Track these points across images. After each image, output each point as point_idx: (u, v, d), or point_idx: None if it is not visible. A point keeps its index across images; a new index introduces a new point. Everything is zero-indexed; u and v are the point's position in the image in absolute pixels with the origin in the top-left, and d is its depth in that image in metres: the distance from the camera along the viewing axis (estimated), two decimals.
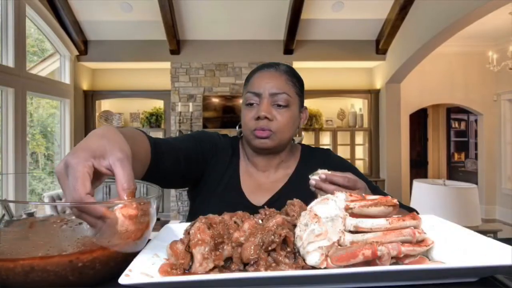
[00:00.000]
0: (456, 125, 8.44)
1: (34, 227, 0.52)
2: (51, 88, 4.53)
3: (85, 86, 5.49)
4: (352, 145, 5.66)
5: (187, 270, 0.46)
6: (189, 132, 4.84)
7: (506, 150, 5.71)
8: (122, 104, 5.71)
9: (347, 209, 0.49)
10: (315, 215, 0.48)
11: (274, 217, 0.53)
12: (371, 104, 5.61)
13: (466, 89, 5.86)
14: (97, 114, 5.58)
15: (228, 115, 5.23)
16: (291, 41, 5.05)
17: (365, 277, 0.42)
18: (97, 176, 0.48)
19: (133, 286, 0.39)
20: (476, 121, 7.01)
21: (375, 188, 0.90)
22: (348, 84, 5.73)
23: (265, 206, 0.60)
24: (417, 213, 0.73)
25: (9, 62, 3.67)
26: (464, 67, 5.85)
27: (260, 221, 0.54)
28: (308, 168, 0.88)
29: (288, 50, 5.23)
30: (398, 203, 0.51)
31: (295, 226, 0.51)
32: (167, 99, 5.46)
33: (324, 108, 5.72)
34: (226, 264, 0.47)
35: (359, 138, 5.78)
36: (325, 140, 5.78)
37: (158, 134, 5.49)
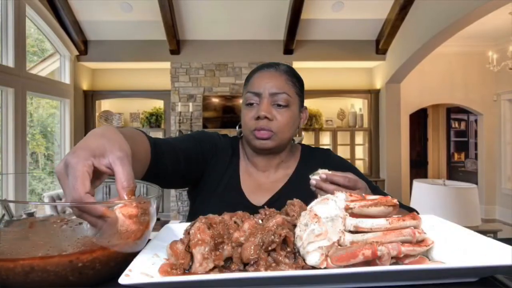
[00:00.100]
0: (456, 125, 8.44)
1: (34, 227, 0.52)
2: (51, 88, 4.53)
3: (85, 86, 5.49)
4: (352, 145, 5.66)
5: (187, 270, 0.46)
6: (189, 132, 4.84)
7: (506, 150, 5.71)
8: (122, 104, 5.71)
9: (347, 209, 0.49)
10: (315, 215, 0.48)
11: (274, 217, 0.53)
12: (371, 104, 5.62)
13: (466, 89, 5.86)
14: (97, 114, 5.58)
15: (228, 115, 5.23)
16: (291, 41, 5.05)
17: (365, 277, 0.42)
18: (97, 176, 0.48)
19: (133, 286, 0.39)
20: (476, 121, 7.02)
21: (375, 188, 0.90)
22: (348, 84, 5.73)
23: (265, 206, 0.60)
24: (417, 213, 0.73)
25: (9, 62, 3.67)
26: (464, 67, 5.85)
27: (260, 221, 0.54)
28: (308, 168, 0.88)
29: (288, 50, 5.23)
30: (398, 203, 0.51)
31: (295, 226, 0.51)
32: (167, 99, 5.46)
33: (324, 108, 5.72)
34: (226, 264, 0.47)
35: (359, 138, 5.78)
36: (325, 140, 5.78)
37: (158, 134, 5.49)
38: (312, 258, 0.45)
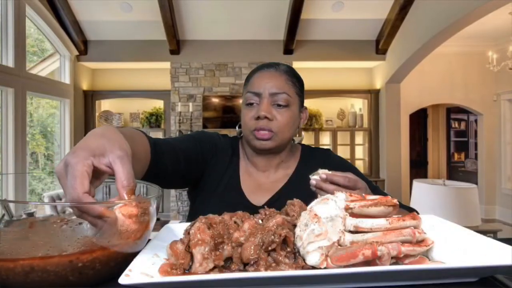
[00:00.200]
0: (456, 125, 8.44)
1: (34, 227, 0.52)
2: (51, 88, 4.53)
3: (85, 86, 5.49)
4: (352, 145, 5.66)
5: (187, 270, 0.46)
6: (189, 132, 4.84)
7: (506, 150, 5.71)
8: (122, 104, 5.71)
9: (347, 209, 0.49)
10: (315, 215, 0.48)
11: (274, 217, 0.53)
12: (371, 104, 5.62)
13: (466, 89, 5.86)
14: (97, 114, 5.58)
15: (228, 115, 5.23)
16: (291, 41, 5.05)
17: (365, 277, 0.42)
18: (97, 176, 0.49)
19: (133, 286, 0.39)
20: (476, 121, 7.02)
21: (375, 188, 0.90)
22: (348, 84, 5.73)
23: (265, 206, 0.60)
24: (417, 213, 0.73)
25: (9, 62, 3.67)
26: (464, 67, 5.85)
27: (260, 221, 0.54)
28: (308, 168, 0.88)
29: (288, 50, 5.23)
30: (398, 203, 0.51)
31: (295, 226, 0.51)
32: (167, 99, 5.46)
33: (324, 108, 5.73)
34: (226, 264, 0.47)
35: (359, 138, 5.78)
36: (325, 140, 5.78)
37: (158, 134, 5.49)
38: (312, 258, 0.45)
